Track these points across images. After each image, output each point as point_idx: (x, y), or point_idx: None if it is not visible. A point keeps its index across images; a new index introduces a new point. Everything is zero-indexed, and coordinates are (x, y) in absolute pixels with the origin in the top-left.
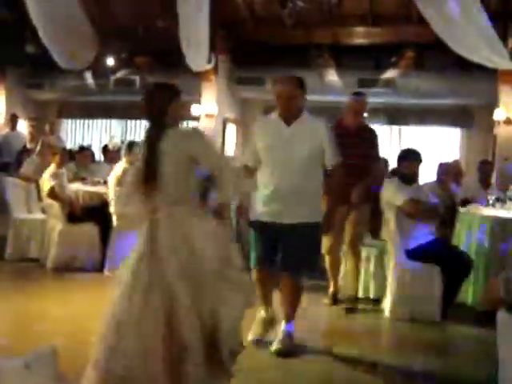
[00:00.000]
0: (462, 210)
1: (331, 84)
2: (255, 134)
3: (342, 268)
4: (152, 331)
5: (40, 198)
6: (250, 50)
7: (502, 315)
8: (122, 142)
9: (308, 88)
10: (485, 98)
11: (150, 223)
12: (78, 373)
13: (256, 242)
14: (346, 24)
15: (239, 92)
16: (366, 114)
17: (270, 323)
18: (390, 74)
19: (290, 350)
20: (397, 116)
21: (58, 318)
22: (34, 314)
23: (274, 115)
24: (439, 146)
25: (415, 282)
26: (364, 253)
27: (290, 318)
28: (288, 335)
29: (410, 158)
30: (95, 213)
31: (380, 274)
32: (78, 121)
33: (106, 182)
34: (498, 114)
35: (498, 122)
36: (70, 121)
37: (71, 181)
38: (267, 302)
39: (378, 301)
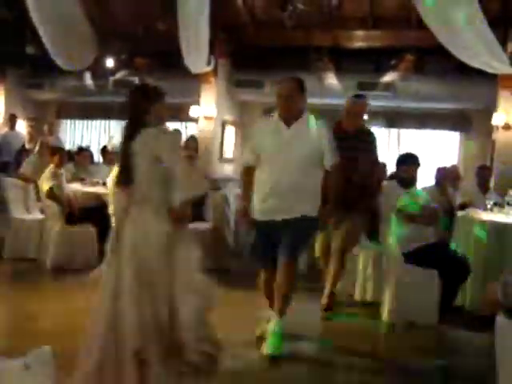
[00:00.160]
0: (460, 214)
1: (331, 87)
2: (255, 134)
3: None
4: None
5: (38, 199)
6: (249, 52)
7: (500, 320)
8: None
9: (307, 91)
10: (484, 103)
11: (117, 222)
12: None
13: (258, 242)
14: (345, 27)
15: (238, 94)
16: (365, 117)
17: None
18: (389, 77)
19: (281, 352)
20: (396, 119)
21: (56, 318)
22: (32, 314)
23: (275, 116)
24: (438, 150)
25: (413, 285)
26: (361, 255)
27: (281, 311)
28: (279, 337)
29: (409, 161)
30: (93, 214)
31: (378, 277)
32: (76, 121)
33: (104, 183)
34: (497, 119)
35: (497, 127)
36: (68, 121)
37: (70, 181)
38: (273, 305)
39: (375, 304)
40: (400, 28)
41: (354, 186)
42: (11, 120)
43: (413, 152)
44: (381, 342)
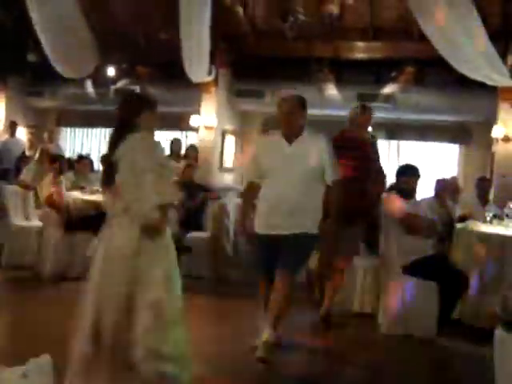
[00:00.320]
0: (459, 226)
1: (331, 98)
2: (258, 152)
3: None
4: None
5: (38, 206)
6: (250, 62)
7: (498, 333)
8: None
9: (308, 102)
10: (484, 115)
11: (102, 234)
12: None
13: (258, 255)
14: (346, 38)
15: (239, 104)
16: (370, 129)
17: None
18: (389, 89)
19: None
20: (396, 131)
21: (54, 326)
22: (31, 322)
23: (277, 133)
24: (437, 161)
25: (411, 297)
26: (360, 267)
27: (274, 326)
28: (274, 343)
29: (409, 173)
30: (93, 222)
31: (376, 289)
32: (77, 129)
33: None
34: (497, 132)
35: (497, 140)
36: (69, 129)
37: (70, 189)
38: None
39: (374, 316)
40: (401, 40)
41: (355, 196)
42: (11, 127)
43: (413, 163)
44: (379, 354)
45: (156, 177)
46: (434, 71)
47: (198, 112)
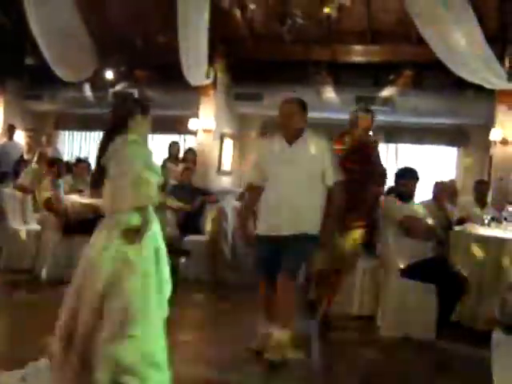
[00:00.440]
0: (457, 229)
1: (329, 101)
2: (260, 155)
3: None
4: None
5: (36, 209)
6: (248, 66)
7: (496, 335)
8: None
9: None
10: (482, 118)
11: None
12: None
13: (259, 255)
14: (344, 41)
15: (237, 107)
16: (371, 132)
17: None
18: (387, 92)
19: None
20: (394, 134)
21: (51, 330)
22: (29, 325)
23: (278, 136)
24: (435, 164)
25: (410, 300)
26: (359, 269)
27: (284, 324)
28: (280, 344)
29: (408, 176)
30: (91, 225)
31: (375, 291)
32: (75, 133)
33: None
34: (495, 134)
35: (495, 142)
36: (67, 133)
37: (68, 193)
38: (271, 319)
39: (372, 318)
40: (398, 43)
41: (355, 199)
42: (10, 130)
43: (411, 166)
44: (377, 356)
45: (135, 179)
46: (431, 74)
47: (196, 115)
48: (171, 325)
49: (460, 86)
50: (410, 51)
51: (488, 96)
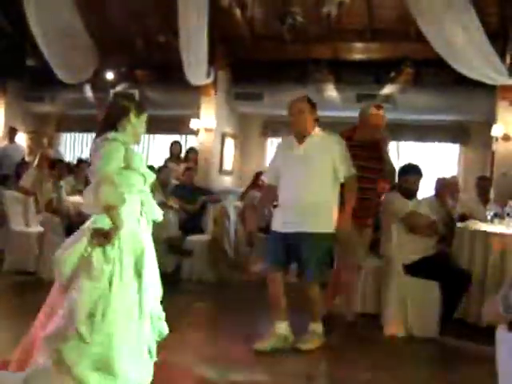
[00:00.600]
0: (460, 225)
1: (330, 99)
2: (275, 154)
3: None
4: None
5: (38, 211)
6: (248, 65)
7: (500, 332)
8: None
9: None
10: (483, 115)
11: None
12: None
13: (271, 248)
14: (344, 39)
15: (238, 107)
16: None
17: (284, 340)
18: (388, 89)
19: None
20: (395, 131)
21: None
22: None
23: (291, 136)
24: (437, 161)
25: (414, 297)
26: (362, 267)
27: (314, 317)
28: (315, 335)
29: (411, 172)
30: None
31: (378, 289)
32: (76, 134)
33: None
34: (496, 131)
35: (496, 139)
36: (68, 134)
37: (70, 194)
38: (279, 309)
39: (376, 316)
40: (399, 40)
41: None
42: (11, 133)
43: (415, 163)
44: (381, 354)
45: (101, 179)
46: (432, 71)
47: (197, 115)
48: (172, 325)
49: (461, 82)
50: (410, 48)
51: (489, 92)
